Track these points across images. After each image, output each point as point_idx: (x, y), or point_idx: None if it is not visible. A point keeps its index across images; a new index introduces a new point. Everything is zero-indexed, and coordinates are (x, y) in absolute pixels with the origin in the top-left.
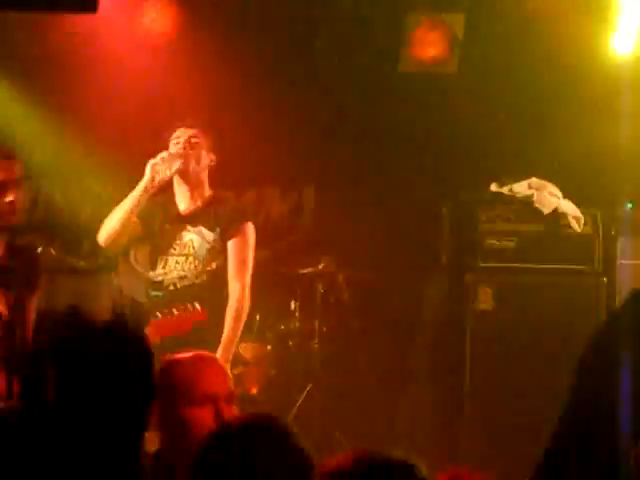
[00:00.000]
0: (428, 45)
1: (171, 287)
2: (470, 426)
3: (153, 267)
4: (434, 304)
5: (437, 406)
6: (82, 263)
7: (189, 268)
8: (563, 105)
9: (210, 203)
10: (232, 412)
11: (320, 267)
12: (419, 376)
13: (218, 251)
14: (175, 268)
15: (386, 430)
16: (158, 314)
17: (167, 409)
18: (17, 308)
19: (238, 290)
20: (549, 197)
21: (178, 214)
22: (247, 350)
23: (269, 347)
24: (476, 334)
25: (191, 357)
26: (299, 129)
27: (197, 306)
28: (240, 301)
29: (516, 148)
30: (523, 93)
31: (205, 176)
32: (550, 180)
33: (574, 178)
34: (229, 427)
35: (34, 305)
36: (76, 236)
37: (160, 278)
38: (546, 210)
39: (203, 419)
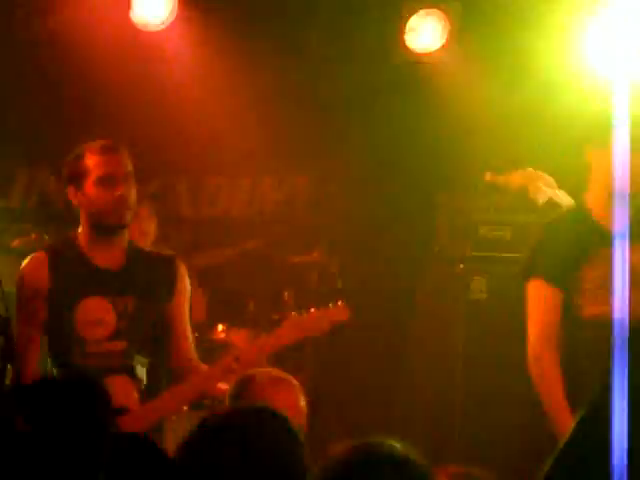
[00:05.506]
0: (424, 34)
1: None
2: (463, 416)
3: None
4: (427, 293)
5: (431, 395)
6: None
7: None
8: (560, 95)
9: None
10: None
11: (313, 256)
12: (413, 365)
13: None
14: None
15: (382, 421)
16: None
17: None
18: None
19: None
20: (543, 187)
21: None
22: (240, 338)
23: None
24: (469, 324)
25: (268, 378)
26: (293, 119)
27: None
28: None
29: (512, 138)
30: (520, 83)
31: None
32: (545, 171)
33: (569, 169)
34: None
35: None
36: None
37: None
38: (540, 200)
39: None
